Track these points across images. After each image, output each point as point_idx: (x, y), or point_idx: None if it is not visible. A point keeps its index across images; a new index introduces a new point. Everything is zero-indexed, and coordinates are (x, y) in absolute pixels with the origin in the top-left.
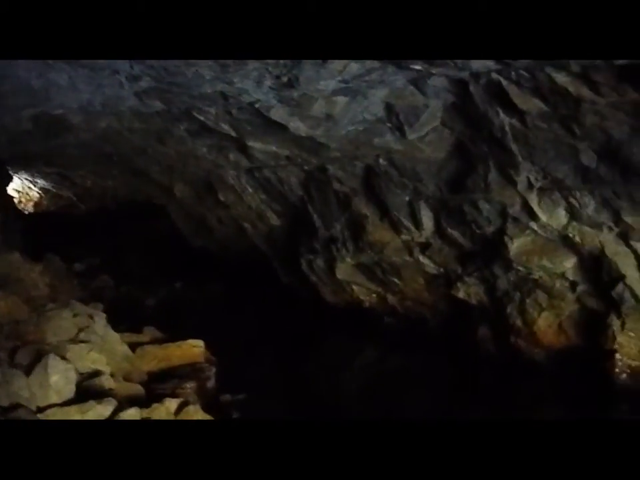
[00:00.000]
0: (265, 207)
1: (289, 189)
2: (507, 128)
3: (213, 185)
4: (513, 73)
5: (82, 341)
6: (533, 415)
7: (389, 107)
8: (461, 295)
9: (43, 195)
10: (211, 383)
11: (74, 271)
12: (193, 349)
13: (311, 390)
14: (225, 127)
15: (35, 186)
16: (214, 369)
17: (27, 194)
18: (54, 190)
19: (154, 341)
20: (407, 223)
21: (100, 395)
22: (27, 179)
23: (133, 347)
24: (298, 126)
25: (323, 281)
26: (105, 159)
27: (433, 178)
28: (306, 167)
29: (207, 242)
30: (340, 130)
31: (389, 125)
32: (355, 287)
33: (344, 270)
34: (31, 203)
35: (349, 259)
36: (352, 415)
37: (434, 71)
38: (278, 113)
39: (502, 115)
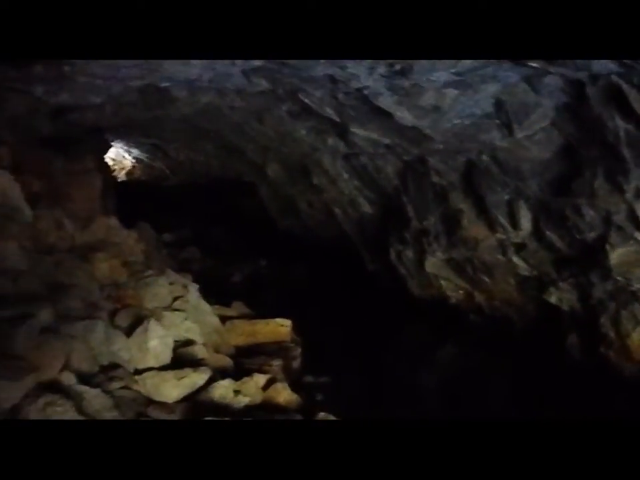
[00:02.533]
0: (358, 193)
1: (385, 177)
2: (622, 133)
3: (308, 167)
4: (635, 77)
5: (177, 309)
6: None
7: (498, 103)
8: (552, 299)
9: (136, 164)
10: (296, 363)
11: (163, 240)
12: (281, 327)
13: (389, 379)
14: (329, 111)
15: (129, 155)
16: (299, 349)
17: (121, 162)
18: (147, 160)
19: (242, 316)
20: (504, 221)
21: (194, 363)
22: (122, 148)
23: (222, 320)
24: (404, 115)
25: (411, 273)
26: (200, 134)
27: (536, 178)
28: (405, 157)
29: (294, 224)
30: (446, 122)
31: (496, 121)
32: (442, 282)
33: (434, 264)
34: (124, 172)
35: (439, 253)
36: (426, 408)
37: (551, 70)
38: (385, 101)
39: (617, 119)
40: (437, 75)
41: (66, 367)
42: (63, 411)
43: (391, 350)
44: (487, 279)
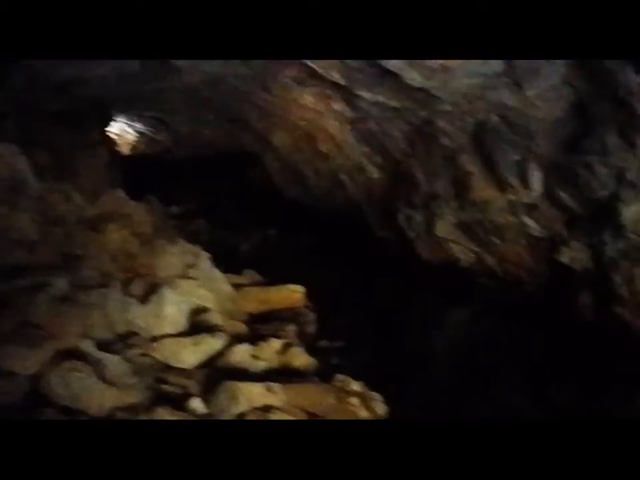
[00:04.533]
0: (366, 159)
1: (393, 142)
2: (634, 88)
3: (314, 134)
4: None
5: (190, 277)
6: (627, 389)
7: (508, 61)
8: (564, 259)
9: (139, 138)
10: (310, 328)
11: (170, 213)
12: (293, 293)
13: (400, 343)
14: (335, 75)
15: (132, 129)
16: (313, 315)
17: (124, 137)
18: (150, 134)
19: (254, 284)
20: (515, 182)
21: (209, 330)
22: (125, 122)
23: (235, 288)
24: (413, 76)
25: (421, 237)
26: (204, 105)
27: (547, 137)
28: (413, 120)
29: (302, 192)
30: (455, 82)
31: (506, 79)
32: (453, 245)
33: (444, 227)
34: (128, 146)
35: (449, 217)
36: (436, 371)
37: None
38: (394, 62)
39: (631, 73)
40: None
41: (84, 334)
42: (84, 377)
43: (402, 314)
44: (497, 241)
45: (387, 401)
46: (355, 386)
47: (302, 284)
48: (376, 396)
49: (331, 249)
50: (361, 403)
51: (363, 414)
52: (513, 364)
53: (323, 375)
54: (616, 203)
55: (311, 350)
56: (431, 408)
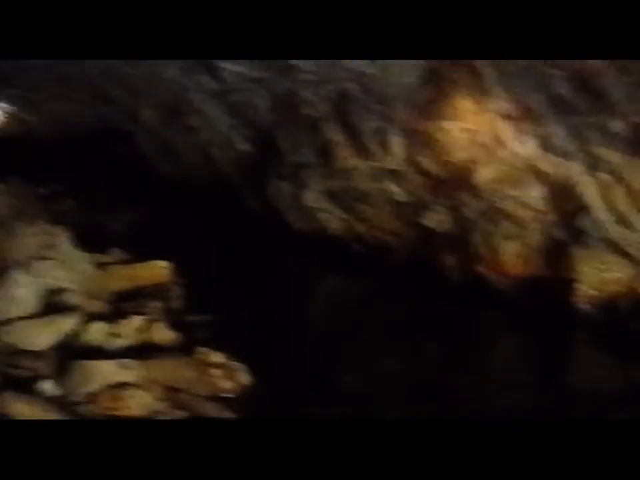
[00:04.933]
0: (233, 131)
1: (258, 113)
2: None
3: (181, 109)
4: None
5: (47, 258)
6: (493, 340)
7: None
8: (428, 223)
9: (7, 118)
10: (177, 303)
11: (38, 194)
12: (159, 269)
13: (271, 314)
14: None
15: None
16: (180, 290)
17: None
18: (16, 113)
19: (120, 262)
20: (377, 149)
21: (64, 310)
22: None
23: (100, 267)
24: None
25: (290, 207)
26: (69, 81)
27: (405, 104)
28: (276, 91)
29: (173, 168)
30: None
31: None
32: (322, 214)
33: (311, 196)
34: None
35: (317, 186)
36: (310, 338)
37: None
38: None
39: None
40: None
41: None
42: None
43: (276, 285)
44: (365, 208)
45: (253, 371)
46: (216, 357)
47: (171, 259)
48: (239, 366)
49: (203, 224)
50: (223, 374)
51: (226, 385)
52: (386, 328)
53: (187, 349)
54: (472, 166)
55: (178, 325)
56: (299, 378)
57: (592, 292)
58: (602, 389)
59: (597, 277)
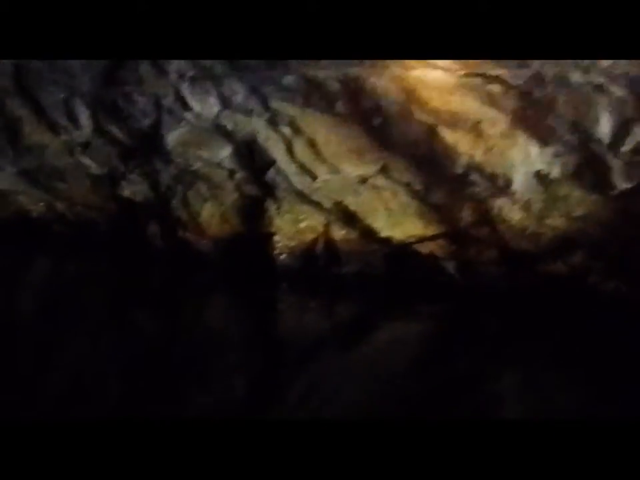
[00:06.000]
0: None
1: None
2: None
3: None
4: None
5: None
6: (204, 302)
7: None
8: (126, 193)
9: None
10: None
11: None
12: None
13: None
14: None
15: None
16: None
17: None
18: None
19: None
20: (65, 122)
21: None
22: None
23: None
24: None
25: None
26: None
27: (86, 72)
28: None
29: None
30: None
31: None
32: (19, 197)
33: (5, 179)
34: None
35: (9, 167)
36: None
37: None
38: None
39: None
40: None
41: None
42: None
43: None
44: (62, 185)
45: None
46: None
47: None
48: None
49: None
50: None
51: None
52: (99, 309)
53: None
54: (159, 131)
55: None
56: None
57: (289, 242)
58: (310, 331)
59: (292, 227)
